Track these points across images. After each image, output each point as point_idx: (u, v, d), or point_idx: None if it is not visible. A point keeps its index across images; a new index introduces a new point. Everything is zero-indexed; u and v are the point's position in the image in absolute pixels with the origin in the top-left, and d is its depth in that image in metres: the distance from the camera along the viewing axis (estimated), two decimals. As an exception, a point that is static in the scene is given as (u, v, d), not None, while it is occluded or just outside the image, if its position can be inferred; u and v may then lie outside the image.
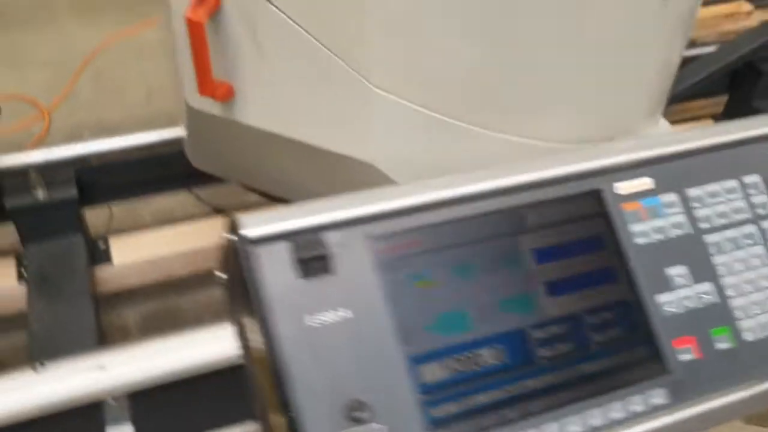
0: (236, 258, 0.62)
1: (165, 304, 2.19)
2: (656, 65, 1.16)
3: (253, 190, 1.55)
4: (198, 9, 1.01)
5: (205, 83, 1.07)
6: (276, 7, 1.00)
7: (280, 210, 0.65)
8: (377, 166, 1.10)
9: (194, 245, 2.13)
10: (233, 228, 0.63)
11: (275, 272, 0.61)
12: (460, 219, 0.68)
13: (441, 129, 1.05)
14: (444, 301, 0.64)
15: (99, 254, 1.98)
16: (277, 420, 0.60)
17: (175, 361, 1.31)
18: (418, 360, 0.62)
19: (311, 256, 0.62)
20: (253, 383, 0.66)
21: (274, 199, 1.48)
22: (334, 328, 0.61)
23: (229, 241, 0.64)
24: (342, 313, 0.61)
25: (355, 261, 0.63)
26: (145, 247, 2.09)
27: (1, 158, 1.86)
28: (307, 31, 1.00)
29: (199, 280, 2.21)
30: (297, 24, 1.00)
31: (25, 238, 1.88)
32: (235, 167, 1.39)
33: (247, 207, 2.42)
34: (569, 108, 1.10)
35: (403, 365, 0.61)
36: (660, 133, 1.21)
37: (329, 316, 0.62)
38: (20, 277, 1.93)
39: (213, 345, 1.12)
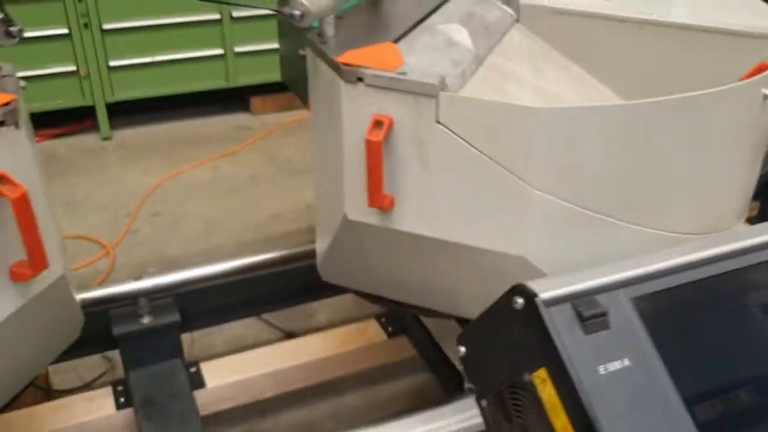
0: (529, 318, 0.74)
1: (251, 426, 2.22)
2: (750, 173, 1.36)
3: (378, 301, 1.66)
4: (376, 132, 1.18)
5: (376, 196, 1.23)
6: (446, 127, 1.17)
7: (559, 278, 0.78)
8: (529, 259, 1.24)
9: (279, 366, 2.20)
10: (520, 293, 0.76)
11: (565, 329, 0.73)
12: (708, 277, 0.81)
13: (587, 223, 1.21)
14: (706, 348, 0.76)
15: (192, 378, 2.04)
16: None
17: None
18: (691, 401, 0.72)
19: (591, 314, 0.74)
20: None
21: (401, 309, 1.59)
22: (618, 376, 0.72)
23: (514, 305, 0.76)
24: (621, 363, 0.73)
25: (625, 317, 0.75)
26: (234, 370, 2.16)
27: (109, 288, 1.96)
28: (473, 146, 1.17)
29: (282, 400, 2.26)
30: (464, 141, 1.17)
31: (129, 363, 1.95)
32: (371, 277, 1.51)
33: (315, 330, 2.52)
34: (688, 207, 1.27)
35: (680, 406, 0.72)
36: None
37: (613, 366, 0.73)
38: (119, 406, 1.98)
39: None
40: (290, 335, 2.55)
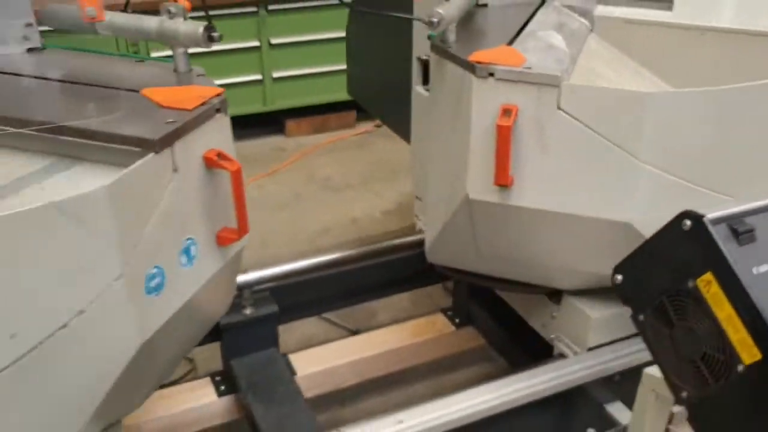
0: (696, 235, 0.95)
1: (333, 414, 2.38)
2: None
3: (483, 283, 1.85)
4: (506, 119, 1.40)
5: (503, 175, 1.44)
6: (566, 112, 1.39)
7: (715, 207, 0.99)
8: (635, 225, 1.45)
9: (359, 356, 2.38)
10: (688, 217, 0.97)
11: (725, 241, 0.94)
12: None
13: (686, 193, 1.43)
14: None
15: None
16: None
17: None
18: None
19: (744, 230, 0.95)
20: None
21: (497, 286, 1.78)
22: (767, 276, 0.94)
23: (683, 226, 0.97)
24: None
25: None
26: (319, 360, 2.33)
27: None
28: (590, 128, 1.39)
29: (359, 389, 2.42)
30: (582, 123, 1.39)
31: (229, 353, 2.11)
32: (478, 255, 1.70)
33: (377, 327, 2.69)
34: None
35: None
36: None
37: (763, 269, 0.94)
38: (220, 393, 2.14)
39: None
40: (355, 333, 2.71)
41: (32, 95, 1.37)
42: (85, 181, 1.14)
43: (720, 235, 0.96)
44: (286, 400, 1.99)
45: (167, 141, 1.12)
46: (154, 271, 1.19)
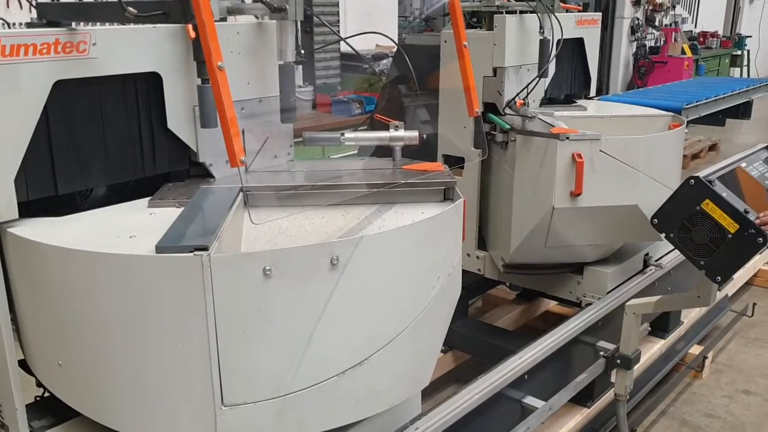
0: (699, 184, 2.31)
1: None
2: None
3: (538, 272, 3.12)
4: (579, 158, 2.71)
5: (579, 187, 2.74)
6: (604, 152, 2.75)
7: (707, 170, 2.35)
8: (638, 206, 2.81)
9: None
10: (693, 179, 2.32)
11: (710, 185, 2.31)
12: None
13: (652, 184, 2.83)
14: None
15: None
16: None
17: None
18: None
19: (712, 180, 2.32)
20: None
21: (550, 272, 3.06)
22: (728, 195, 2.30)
23: (690, 183, 2.33)
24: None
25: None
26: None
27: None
28: (614, 157, 2.75)
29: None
30: (612, 157, 2.75)
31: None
32: (546, 249, 2.96)
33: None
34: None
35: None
36: None
37: (724, 193, 2.31)
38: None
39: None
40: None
41: (338, 176, 2.30)
42: (410, 213, 2.17)
43: (708, 183, 2.32)
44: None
45: (455, 183, 2.21)
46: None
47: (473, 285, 3.65)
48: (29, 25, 2.00)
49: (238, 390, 1.65)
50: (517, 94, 2.96)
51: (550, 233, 2.91)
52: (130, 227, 1.76)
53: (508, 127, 2.93)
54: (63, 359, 1.76)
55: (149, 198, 1.98)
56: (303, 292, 1.65)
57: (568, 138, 2.74)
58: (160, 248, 1.58)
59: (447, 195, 2.10)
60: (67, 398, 1.84)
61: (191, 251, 1.55)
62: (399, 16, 7.76)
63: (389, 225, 1.88)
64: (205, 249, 1.54)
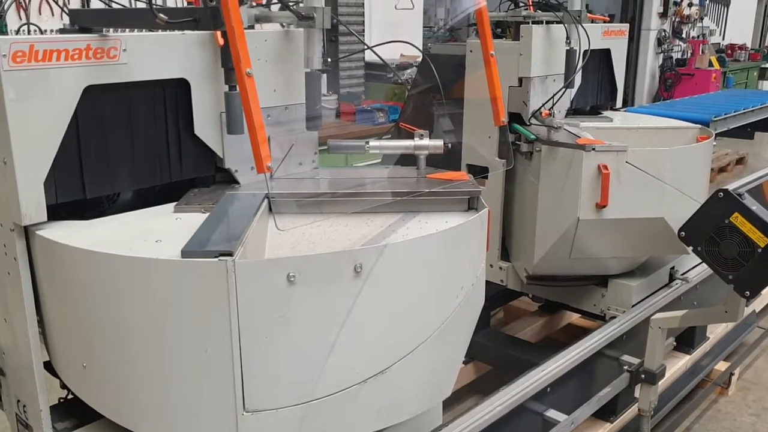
0: (728, 198, 2.27)
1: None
2: None
3: (561, 284, 3.08)
4: (605, 170, 2.69)
5: (605, 199, 2.71)
6: (630, 163, 2.72)
7: (736, 183, 2.31)
8: (665, 218, 2.77)
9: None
10: (721, 192, 2.29)
11: (740, 198, 2.27)
12: None
13: (679, 196, 2.79)
14: None
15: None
16: None
17: None
18: None
19: (742, 193, 2.28)
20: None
21: (573, 284, 3.02)
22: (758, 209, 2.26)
23: (719, 195, 2.29)
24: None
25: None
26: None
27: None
28: (640, 169, 2.72)
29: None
30: (636, 167, 2.72)
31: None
32: (570, 261, 2.93)
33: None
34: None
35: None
36: None
37: (754, 207, 2.27)
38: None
39: None
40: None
41: (362, 184, 2.29)
42: (434, 222, 2.18)
43: (737, 195, 2.28)
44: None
45: (479, 192, 2.20)
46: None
47: (495, 296, 3.62)
48: (62, 31, 2.03)
49: (260, 396, 1.64)
50: (543, 105, 2.94)
51: (574, 245, 2.88)
52: (156, 231, 1.77)
53: (533, 137, 2.91)
54: (87, 361, 1.77)
55: (175, 203, 1.99)
56: (326, 299, 1.64)
57: (594, 149, 2.72)
58: (185, 253, 1.59)
59: (471, 204, 2.08)
60: (90, 400, 1.86)
61: (216, 256, 1.55)
62: (423, 26, 7.79)
63: (413, 233, 1.88)
64: (230, 254, 1.55)
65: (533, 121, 2.98)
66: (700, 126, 3.35)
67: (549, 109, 2.93)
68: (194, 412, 1.69)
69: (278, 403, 1.66)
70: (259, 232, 1.83)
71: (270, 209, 2.00)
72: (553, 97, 2.94)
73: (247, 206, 1.91)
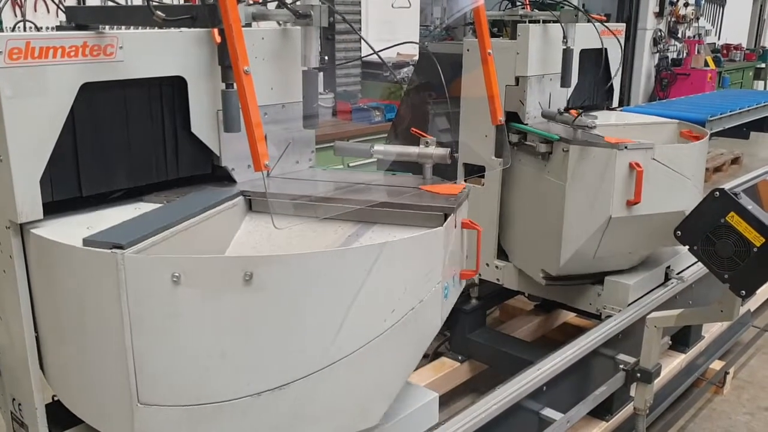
0: (723, 196, 2.27)
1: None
2: None
3: (575, 282, 3.09)
4: (638, 167, 2.71)
5: (638, 196, 2.74)
6: (656, 160, 2.74)
7: (729, 185, 2.32)
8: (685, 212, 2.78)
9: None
10: (717, 191, 2.29)
11: (735, 197, 2.27)
12: None
13: (697, 189, 2.80)
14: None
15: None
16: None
17: None
18: None
19: (738, 193, 2.29)
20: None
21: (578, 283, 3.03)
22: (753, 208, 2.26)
23: (715, 195, 2.29)
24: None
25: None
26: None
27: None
28: (665, 165, 2.75)
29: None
30: (664, 165, 2.75)
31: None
32: (594, 259, 2.95)
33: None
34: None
35: None
36: None
37: (749, 206, 2.27)
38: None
39: None
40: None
41: (339, 189, 2.09)
42: (386, 236, 1.86)
43: (733, 195, 2.29)
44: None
45: (453, 210, 2.00)
46: (447, 284, 1.92)
47: (491, 295, 3.62)
48: (58, 28, 2.02)
49: (152, 390, 1.64)
50: (568, 103, 2.97)
51: (601, 243, 2.89)
52: (109, 223, 1.75)
53: (556, 138, 2.90)
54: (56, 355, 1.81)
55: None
56: (213, 304, 1.59)
57: (626, 147, 2.76)
58: (86, 241, 1.62)
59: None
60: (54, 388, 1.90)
61: (110, 248, 1.57)
62: (420, 25, 7.77)
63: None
64: (121, 247, 1.56)
65: (560, 118, 2.98)
66: (679, 121, 3.41)
67: (577, 109, 2.95)
68: (102, 399, 1.73)
69: (168, 401, 1.65)
70: (211, 230, 1.83)
71: (251, 207, 2.02)
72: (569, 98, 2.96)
73: (205, 202, 1.88)
